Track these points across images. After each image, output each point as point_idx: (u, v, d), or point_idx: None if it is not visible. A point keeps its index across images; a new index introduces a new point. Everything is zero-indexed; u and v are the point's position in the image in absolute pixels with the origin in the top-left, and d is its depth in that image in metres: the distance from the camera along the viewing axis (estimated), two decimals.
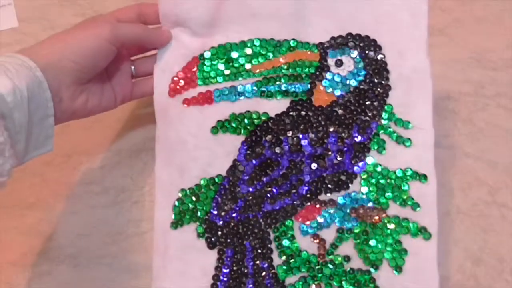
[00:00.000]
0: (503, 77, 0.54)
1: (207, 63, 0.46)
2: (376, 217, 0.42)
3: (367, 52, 0.44)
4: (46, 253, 0.53)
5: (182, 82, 0.47)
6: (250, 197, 0.45)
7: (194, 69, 0.46)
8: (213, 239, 0.45)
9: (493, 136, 0.52)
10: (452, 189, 0.50)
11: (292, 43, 0.45)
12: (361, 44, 0.44)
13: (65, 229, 0.53)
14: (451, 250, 0.48)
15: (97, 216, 0.53)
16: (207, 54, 0.46)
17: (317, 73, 0.45)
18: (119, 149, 0.56)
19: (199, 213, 0.45)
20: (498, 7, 0.58)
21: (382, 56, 0.44)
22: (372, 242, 0.42)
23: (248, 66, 0.46)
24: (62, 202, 0.55)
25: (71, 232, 0.53)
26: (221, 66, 0.46)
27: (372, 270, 0.42)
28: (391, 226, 0.42)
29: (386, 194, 0.43)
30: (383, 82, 0.44)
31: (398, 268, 0.41)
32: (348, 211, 0.43)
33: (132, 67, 0.49)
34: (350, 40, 0.44)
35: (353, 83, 0.44)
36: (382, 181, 0.43)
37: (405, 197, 0.42)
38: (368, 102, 0.44)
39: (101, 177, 0.55)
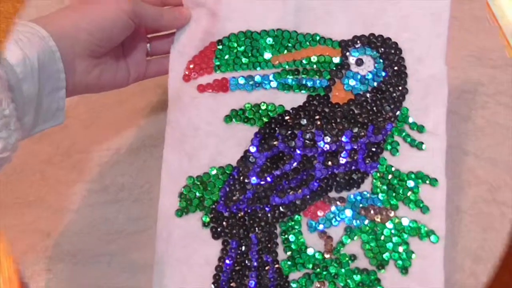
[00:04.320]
0: (503, 75, 0.54)
1: (225, 49, 0.45)
2: (385, 218, 0.43)
3: (388, 53, 0.44)
4: (45, 251, 0.51)
5: (197, 67, 0.45)
6: (260, 190, 0.44)
7: (211, 55, 0.45)
8: (218, 230, 0.44)
9: (493, 134, 0.52)
10: (452, 187, 0.48)
11: (315, 37, 0.44)
12: (383, 45, 0.44)
13: (65, 227, 0.52)
14: (450, 248, 0.47)
15: (96, 214, 0.52)
16: (226, 40, 0.45)
17: (337, 70, 0.44)
18: (119, 147, 0.55)
19: (205, 202, 0.44)
20: None
21: (402, 59, 0.44)
22: (380, 242, 0.42)
23: (267, 56, 0.45)
24: (61, 200, 0.54)
25: (71, 230, 0.52)
26: (239, 54, 0.45)
27: (378, 270, 0.42)
28: (400, 227, 0.42)
29: (397, 195, 0.43)
30: (401, 85, 0.44)
31: (404, 270, 0.42)
32: (357, 210, 0.43)
33: (148, 45, 0.48)
34: (372, 40, 0.44)
35: (372, 83, 0.44)
36: (393, 182, 0.43)
37: (415, 199, 0.43)
38: (385, 103, 0.44)
39: (100, 175, 0.54)
